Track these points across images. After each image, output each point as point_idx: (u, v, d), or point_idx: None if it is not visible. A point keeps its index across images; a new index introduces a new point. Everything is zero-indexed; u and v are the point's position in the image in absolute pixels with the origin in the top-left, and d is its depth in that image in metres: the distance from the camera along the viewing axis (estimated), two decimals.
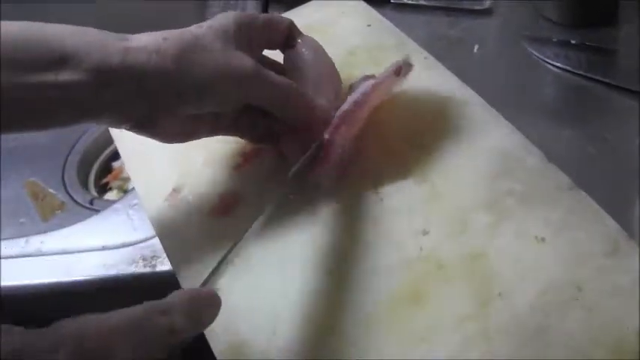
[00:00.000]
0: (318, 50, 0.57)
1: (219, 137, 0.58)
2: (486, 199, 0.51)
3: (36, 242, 0.73)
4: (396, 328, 0.46)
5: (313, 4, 0.75)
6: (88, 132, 0.95)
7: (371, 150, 0.55)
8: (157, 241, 0.61)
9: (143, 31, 0.50)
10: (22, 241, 0.73)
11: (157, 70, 0.47)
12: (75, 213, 0.83)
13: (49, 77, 0.45)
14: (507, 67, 0.75)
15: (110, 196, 0.89)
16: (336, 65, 0.59)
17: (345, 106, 0.54)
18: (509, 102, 0.63)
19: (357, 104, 0.53)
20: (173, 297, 0.41)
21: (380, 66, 0.63)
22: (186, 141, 0.55)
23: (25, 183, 0.89)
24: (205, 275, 0.47)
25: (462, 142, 0.55)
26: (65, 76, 0.45)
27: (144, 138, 0.52)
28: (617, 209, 0.50)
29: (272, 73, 0.51)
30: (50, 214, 0.83)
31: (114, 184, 0.91)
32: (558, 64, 0.72)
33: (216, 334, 0.48)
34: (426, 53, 0.65)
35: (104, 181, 0.92)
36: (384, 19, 0.70)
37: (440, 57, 0.64)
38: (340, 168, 0.54)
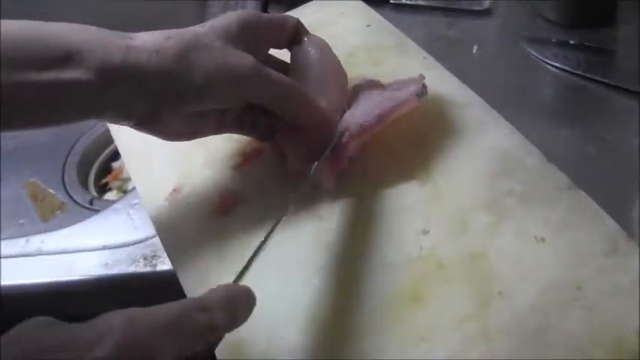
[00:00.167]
0: (325, 49, 0.57)
1: (220, 136, 0.58)
2: (486, 199, 0.51)
3: (36, 242, 0.73)
4: (396, 328, 0.46)
5: (313, 4, 0.75)
6: (88, 132, 0.95)
7: (370, 149, 0.55)
8: (157, 240, 0.61)
9: (142, 31, 0.50)
10: (23, 240, 0.73)
11: (157, 69, 0.47)
12: (75, 213, 0.83)
13: (53, 75, 0.45)
14: (506, 68, 0.75)
15: (110, 196, 0.89)
16: None
17: (363, 118, 0.54)
18: (509, 102, 0.63)
19: (380, 119, 0.53)
20: (211, 293, 0.41)
21: (379, 66, 0.63)
22: (190, 139, 0.55)
23: (25, 183, 0.89)
24: (232, 275, 0.47)
25: (461, 143, 0.55)
26: (68, 74, 0.45)
27: (144, 137, 0.52)
28: (616, 209, 0.50)
29: (273, 72, 0.51)
30: (50, 215, 0.83)
31: (113, 184, 0.91)
32: (557, 65, 0.72)
33: None
34: (425, 53, 0.65)
35: (104, 181, 0.92)
36: (384, 20, 0.70)
37: (439, 57, 0.64)
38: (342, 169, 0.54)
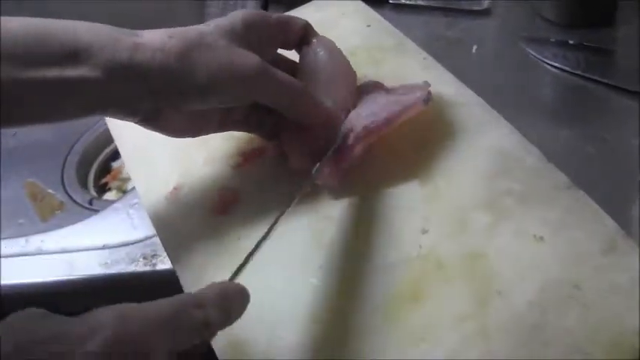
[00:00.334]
0: (334, 51, 0.57)
1: (220, 135, 0.58)
2: (485, 198, 0.51)
3: (36, 241, 0.73)
4: (396, 327, 0.46)
5: (312, 4, 0.76)
6: (87, 132, 0.95)
7: (372, 150, 0.55)
8: (157, 239, 0.62)
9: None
10: (22, 240, 0.73)
11: (161, 67, 0.47)
12: (74, 213, 0.83)
13: (62, 72, 0.46)
14: (506, 68, 0.75)
15: (109, 196, 0.90)
16: None
17: (370, 119, 0.54)
18: (508, 102, 0.64)
19: (388, 122, 0.53)
20: (206, 290, 0.41)
21: (379, 66, 0.63)
22: (195, 136, 0.55)
23: (25, 183, 0.89)
24: (228, 273, 0.47)
25: (460, 142, 0.55)
26: (76, 71, 0.46)
27: (144, 136, 0.53)
28: (615, 208, 0.50)
29: (278, 72, 0.51)
30: (49, 215, 0.84)
31: (113, 184, 0.91)
32: (556, 65, 0.73)
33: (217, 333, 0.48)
34: (424, 53, 0.65)
35: (103, 181, 0.92)
36: (383, 20, 0.71)
37: (438, 57, 0.65)
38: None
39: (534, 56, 0.74)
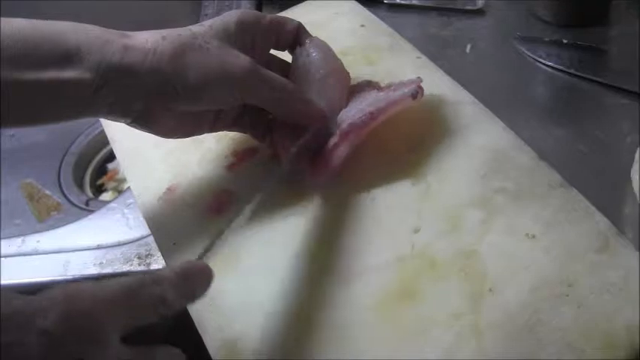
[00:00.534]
0: (327, 52, 0.57)
1: (214, 136, 0.59)
2: (478, 196, 0.52)
3: (32, 241, 0.73)
4: (389, 325, 0.46)
5: (307, 4, 0.76)
6: (84, 134, 0.95)
7: (364, 148, 0.55)
8: (151, 239, 0.62)
9: (139, 31, 0.50)
10: (19, 240, 0.73)
11: (152, 69, 0.48)
12: (70, 214, 0.83)
13: (52, 74, 0.46)
14: (500, 67, 0.75)
15: (105, 197, 0.90)
16: None
17: (357, 115, 0.54)
18: (502, 101, 0.64)
19: (372, 116, 0.53)
20: (166, 269, 0.41)
21: (374, 66, 0.64)
22: (187, 136, 0.55)
23: (22, 184, 0.89)
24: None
25: (454, 141, 0.56)
26: (67, 73, 0.46)
27: (139, 138, 0.53)
28: (608, 206, 0.50)
29: (269, 73, 0.52)
30: (46, 215, 0.84)
31: (109, 185, 0.92)
32: (550, 64, 0.73)
33: (210, 331, 0.48)
34: (418, 53, 0.65)
35: (99, 182, 0.92)
36: (378, 20, 0.71)
37: (433, 57, 0.65)
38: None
39: (528, 55, 0.74)
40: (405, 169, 0.54)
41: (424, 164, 0.54)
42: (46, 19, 0.48)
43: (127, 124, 0.51)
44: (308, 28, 0.58)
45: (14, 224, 0.82)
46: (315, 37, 0.58)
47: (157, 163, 0.61)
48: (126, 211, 0.74)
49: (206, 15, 0.92)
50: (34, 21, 0.47)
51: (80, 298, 0.36)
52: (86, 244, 0.70)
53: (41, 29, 0.47)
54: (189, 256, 0.53)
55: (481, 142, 0.55)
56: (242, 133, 0.59)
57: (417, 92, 0.54)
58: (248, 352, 0.47)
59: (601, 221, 0.49)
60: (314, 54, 0.56)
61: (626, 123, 0.65)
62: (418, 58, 0.65)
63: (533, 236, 0.48)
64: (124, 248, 0.68)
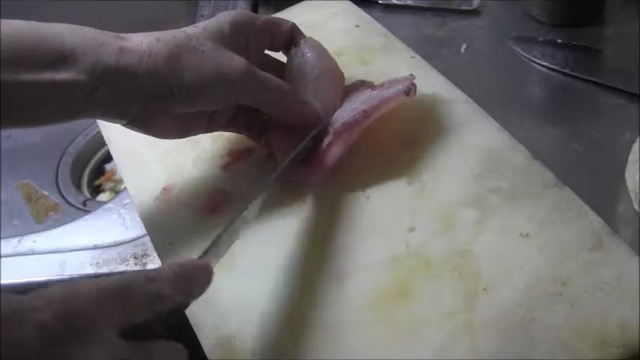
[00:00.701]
0: (321, 52, 0.58)
1: (209, 136, 0.59)
2: (472, 196, 0.52)
3: (29, 241, 0.73)
4: (382, 325, 0.46)
5: (302, 5, 0.76)
6: (81, 134, 0.95)
7: (358, 147, 0.56)
8: (147, 239, 0.62)
9: (135, 32, 0.50)
10: (15, 240, 0.73)
11: (148, 71, 0.48)
12: (68, 214, 0.83)
13: (48, 76, 0.46)
14: (494, 67, 0.75)
15: (103, 197, 0.90)
16: None
17: (351, 114, 0.54)
18: (497, 101, 0.64)
19: (365, 115, 0.54)
20: (164, 266, 0.42)
21: (368, 66, 0.64)
22: (183, 137, 0.55)
23: (19, 185, 0.89)
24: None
25: (448, 141, 0.56)
26: (62, 75, 0.46)
27: (135, 138, 0.53)
28: (601, 205, 0.50)
29: (264, 74, 0.52)
30: (44, 216, 0.84)
31: (106, 185, 0.92)
32: (545, 64, 0.73)
33: (206, 330, 0.48)
34: (413, 53, 0.65)
35: (97, 182, 0.93)
36: (373, 20, 0.71)
37: (428, 57, 0.65)
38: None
39: (523, 55, 0.75)
40: (399, 168, 0.55)
41: (419, 163, 0.55)
42: (45, 19, 0.49)
43: (123, 126, 0.52)
44: (303, 28, 0.58)
45: (12, 225, 0.82)
46: (309, 37, 0.58)
47: (153, 163, 0.61)
48: (122, 211, 0.74)
49: (202, 16, 0.92)
50: (31, 22, 0.48)
51: (74, 297, 0.36)
52: (82, 244, 0.70)
53: (37, 31, 0.47)
54: (185, 255, 0.53)
55: (475, 141, 0.55)
56: (237, 134, 0.59)
57: (410, 89, 0.54)
58: (243, 351, 0.47)
59: (595, 220, 0.49)
60: (308, 54, 0.56)
61: (621, 123, 0.65)
62: (412, 58, 0.65)
63: (527, 235, 0.49)
64: (120, 248, 0.68)
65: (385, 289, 0.48)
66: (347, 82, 0.59)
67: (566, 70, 0.71)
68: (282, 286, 0.50)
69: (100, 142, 0.94)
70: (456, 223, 0.50)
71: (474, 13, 0.82)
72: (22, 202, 0.87)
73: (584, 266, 0.46)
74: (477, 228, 0.50)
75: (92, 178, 0.94)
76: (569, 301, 0.45)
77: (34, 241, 0.72)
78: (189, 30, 0.52)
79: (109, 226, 0.72)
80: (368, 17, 0.71)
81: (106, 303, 0.37)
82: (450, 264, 0.48)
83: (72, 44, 0.47)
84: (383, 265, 0.49)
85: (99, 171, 0.95)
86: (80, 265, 0.67)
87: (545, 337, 0.43)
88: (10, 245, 0.72)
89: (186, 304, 0.43)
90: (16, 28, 0.47)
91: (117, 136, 0.65)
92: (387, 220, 0.52)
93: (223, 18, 0.53)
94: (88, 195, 0.90)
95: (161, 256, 0.55)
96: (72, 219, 0.78)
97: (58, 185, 0.89)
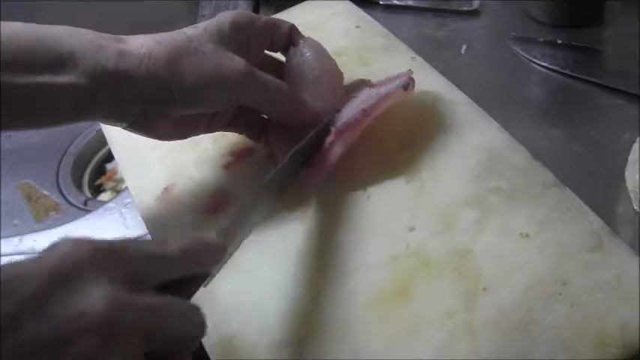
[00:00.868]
0: (320, 52, 0.58)
1: (211, 136, 0.59)
2: (472, 196, 0.52)
3: (29, 241, 0.73)
4: (383, 324, 0.46)
5: (303, 5, 0.76)
6: (82, 134, 0.95)
7: (358, 147, 0.56)
8: (149, 239, 0.62)
9: (136, 32, 0.50)
10: (16, 239, 0.73)
11: (148, 74, 0.48)
12: (69, 214, 0.83)
13: (47, 79, 0.46)
14: (495, 67, 0.75)
15: (104, 197, 0.90)
16: None
17: (351, 113, 0.54)
18: (497, 101, 0.64)
19: (365, 113, 0.54)
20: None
21: (368, 67, 0.64)
22: (183, 138, 0.55)
23: (20, 185, 0.89)
24: None
25: (448, 141, 0.56)
26: (62, 78, 0.46)
27: (137, 138, 0.53)
28: (601, 206, 0.51)
29: (264, 75, 0.52)
30: (44, 216, 0.84)
31: (107, 185, 0.92)
32: (545, 64, 0.73)
33: (207, 329, 0.48)
34: (414, 54, 0.66)
35: (98, 182, 0.92)
36: (373, 21, 0.71)
37: (428, 58, 0.65)
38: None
39: (523, 56, 0.75)
40: (399, 167, 0.55)
41: (419, 163, 0.55)
42: (45, 20, 0.49)
43: (124, 129, 0.52)
44: (304, 28, 0.58)
45: (12, 224, 0.82)
46: (308, 37, 0.58)
47: (155, 163, 0.62)
48: (123, 210, 0.74)
49: (203, 16, 0.92)
50: (30, 25, 0.48)
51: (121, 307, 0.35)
52: None
53: (36, 33, 0.47)
54: None
55: (475, 141, 0.56)
56: (238, 134, 0.59)
57: (409, 84, 0.55)
58: (244, 350, 0.47)
59: (594, 221, 0.49)
60: (307, 54, 0.57)
61: (621, 123, 0.65)
62: (413, 58, 0.65)
63: (527, 235, 0.49)
64: None
65: (385, 288, 0.48)
66: (346, 83, 0.59)
67: (566, 71, 0.71)
68: (282, 285, 0.50)
69: (101, 141, 0.94)
70: (455, 223, 0.50)
71: (474, 13, 0.82)
72: (22, 201, 0.86)
73: (584, 266, 0.46)
74: (476, 228, 0.50)
75: (93, 178, 0.93)
76: (569, 301, 0.45)
77: (35, 240, 0.72)
78: (190, 31, 0.52)
79: (110, 226, 0.72)
80: (368, 18, 0.72)
81: (103, 254, 0.35)
82: (450, 264, 0.48)
83: (71, 47, 0.47)
84: (383, 264, 0.49)
85: (100, 170, 0.95)
86: None
87: (545, 337, 0.43)
88: (10, 244, 0.72)
89: (204, 276, 0.42)
90: (15, 30, 0.47)
91: (118, 135, 0.65)
92: (387, 219, 0.52)
93: (224, 18, 0.53)
94: (89, 195, 0.90)
95: None
96: (73, 218, 0.77)
97: (58, 185, 0.89)
